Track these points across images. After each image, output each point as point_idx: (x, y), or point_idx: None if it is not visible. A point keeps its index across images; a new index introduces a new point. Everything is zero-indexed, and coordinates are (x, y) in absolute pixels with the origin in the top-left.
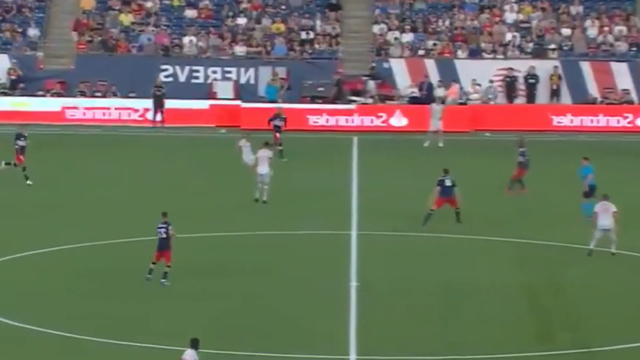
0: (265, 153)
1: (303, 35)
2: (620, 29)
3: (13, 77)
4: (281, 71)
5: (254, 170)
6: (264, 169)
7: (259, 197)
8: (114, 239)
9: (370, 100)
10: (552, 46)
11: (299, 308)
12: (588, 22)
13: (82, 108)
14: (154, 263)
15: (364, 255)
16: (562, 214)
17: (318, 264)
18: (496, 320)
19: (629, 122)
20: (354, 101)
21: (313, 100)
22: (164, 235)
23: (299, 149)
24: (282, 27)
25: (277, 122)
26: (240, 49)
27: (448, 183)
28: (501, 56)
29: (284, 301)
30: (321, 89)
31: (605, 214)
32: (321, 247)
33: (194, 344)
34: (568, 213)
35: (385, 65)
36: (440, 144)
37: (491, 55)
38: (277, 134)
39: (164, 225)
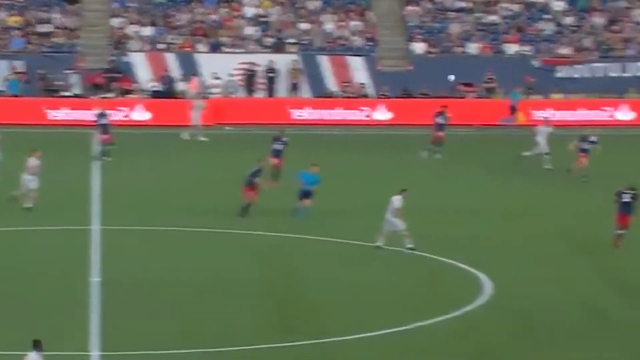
0: (31, 162)
1: (41, 28)
2: (356, 24)
3: None
4: (19, 65)
5: None
6: (27, 176)
7: (23, 203)
8: None
9: (110, 95)
10: (291, 40)
11: (39, 306)
12: (325, 17)
13: None
14: None
15: (107, 250)
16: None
17: (59, 261)
18: (238, 312)
19: (366, 116)
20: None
21: (52, 94)
22: None
23: (38, 144)
24: (19, 19)
25: (103, 121)
26: None
27: (250, 172)
28: (241, 50)
29: (24, 299)
30: (60, 82)
31: (389, 207)
32: (63, 244)
33: (37, 346)
34: (313, 207)
35: (125, 59)
36: (187, 137)
37: (231, 49)
38: (105, 135)
39: None
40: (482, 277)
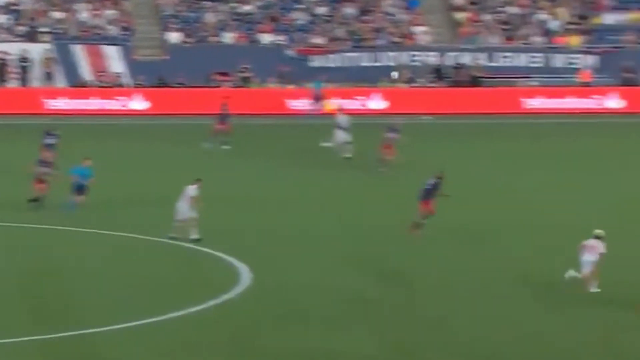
0: None
1: None
2: (112, 13)
3: None
4: None
5: None
6: None
7: None
8: None
9: None
10: (45, 29)
11: None
12: (80, 6)
13: None
14: None
15: None
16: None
17: None
18: None
19: (122, 105)
20: None
21: None
22: None
23: None
24: None
25: None
26: None
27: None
28: None
29: None
30: None
31: (182, 199)
32: None
33: None
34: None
35: None
36: None
37: None
38: None
39: None
40: (243, 266)
